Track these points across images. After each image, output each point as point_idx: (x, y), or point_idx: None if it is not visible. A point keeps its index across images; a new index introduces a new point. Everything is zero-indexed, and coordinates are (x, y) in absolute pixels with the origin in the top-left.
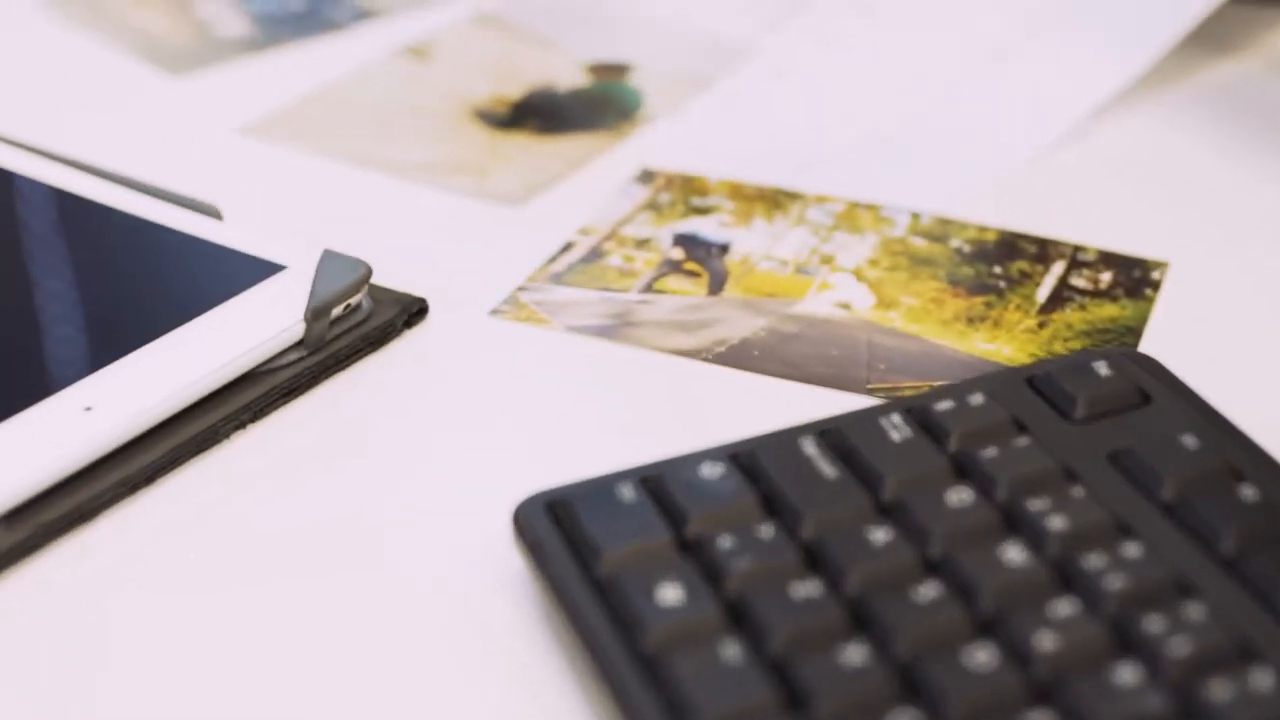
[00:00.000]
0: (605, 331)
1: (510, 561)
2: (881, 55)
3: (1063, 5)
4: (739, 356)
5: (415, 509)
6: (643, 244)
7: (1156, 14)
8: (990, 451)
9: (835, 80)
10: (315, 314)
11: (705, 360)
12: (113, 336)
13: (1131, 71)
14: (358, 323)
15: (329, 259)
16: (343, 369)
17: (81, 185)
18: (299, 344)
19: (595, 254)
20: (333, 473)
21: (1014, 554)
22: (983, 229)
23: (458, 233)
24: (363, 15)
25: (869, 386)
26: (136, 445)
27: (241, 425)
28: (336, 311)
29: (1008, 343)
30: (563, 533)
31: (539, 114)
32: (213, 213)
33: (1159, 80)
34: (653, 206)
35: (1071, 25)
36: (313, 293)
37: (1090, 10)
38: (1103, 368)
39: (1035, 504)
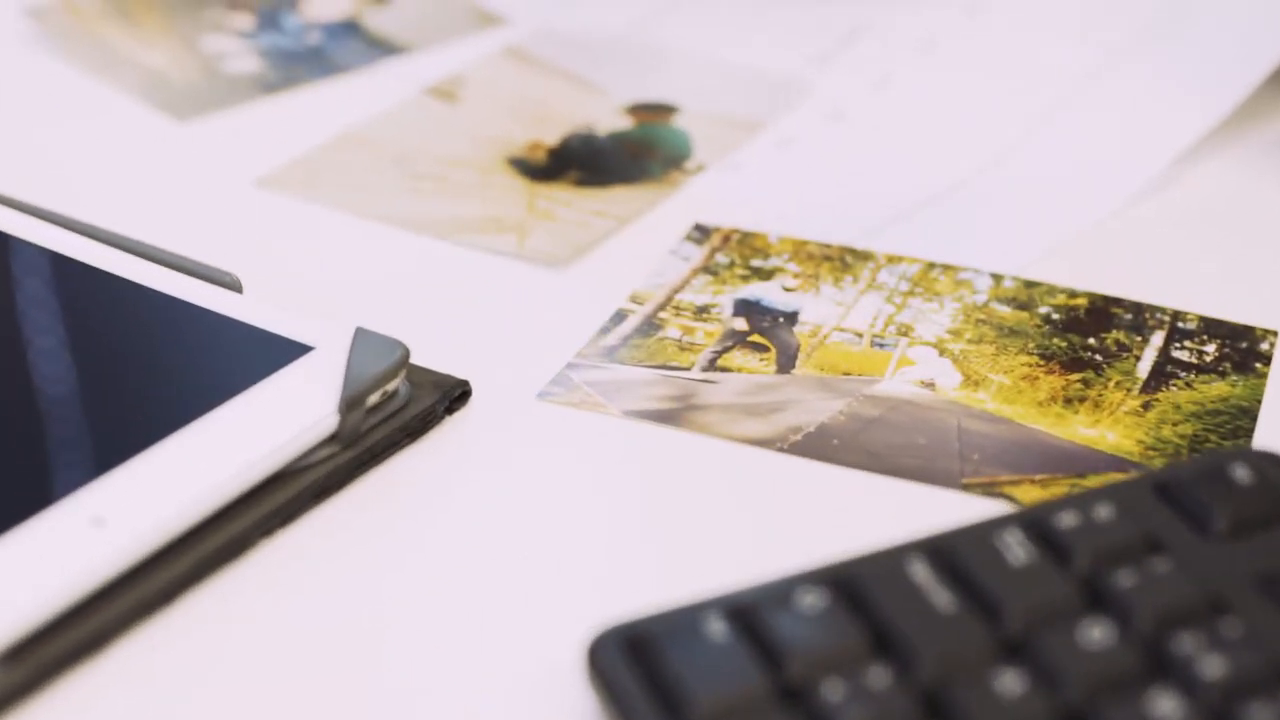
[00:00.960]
0: (668, 417)
1: (577, 698)
2: (944, 95)
3: (1139, 40)
4: (818, 446)
5: (464, 628)
6: (702, 312)
7: (1240, 51)
8: (1125, 576)
9: (895, 123)
10: (350, 404)
11: (781, 450)
12: (122, 432)
13: (1217, 113)
14: (395, 411)
15: (363, 339)
16: (379, 463)
17: (84, 250)
18: (332, 438)
19: (651, 325)
20: (370, 585)
21: (1167, 708)
22: (1072, 293)
23: (498, 300)
24: (383, 50)
25: (964, 481)
26: (152, 560)
27: (269, 532)
28: (372, 400)
29: (1111, 427)
30: (644, 673)
31: (579, 162)
32: (233, 285)
33: (1241, 122)
34: (709, 269)
35: (1150, 62)
36: (346, 379)
37: (1170, 47)
38: (1241, 472)
39: (1185, 643)
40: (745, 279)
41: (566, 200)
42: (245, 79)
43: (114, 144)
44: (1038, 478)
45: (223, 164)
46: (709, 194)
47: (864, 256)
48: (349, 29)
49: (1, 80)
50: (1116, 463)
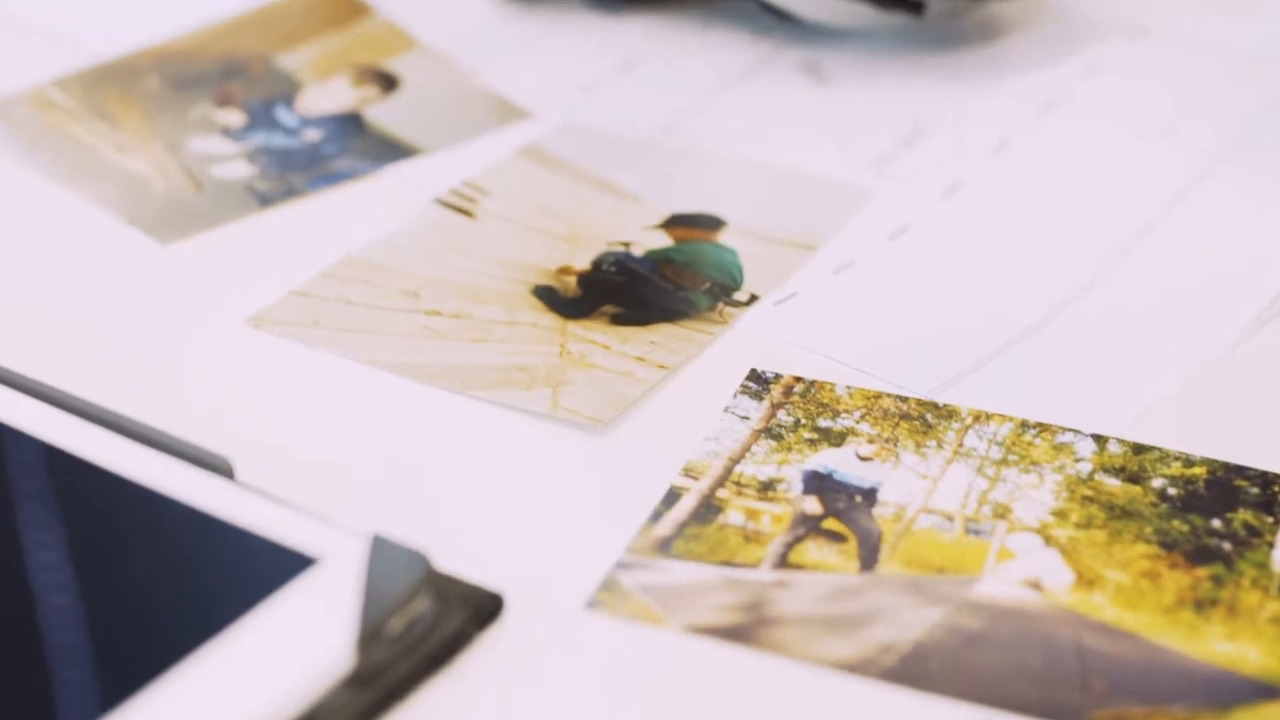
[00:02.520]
0: (736, 634)
1: None
2: (1021, 206)
3: (1241, 138)
4: (915, 671)
5: None
6: (767, 490)
7: None
8: None
9: (967, 240)
10: (368, 636)
11: (871, 677)
12: (95, 679)
13: None
14: (420, 637)
15: (381, 550)
16: (401, 701)
17: (50, 424)
18: (348, 677)
19: (709, 508)
20: None
21: None
22: (1188, 461)
23: (531, 475)
24: (389, 151)
25: (1090, 716)
26: None
27: None
28: (393, 627)
29: (1252, 641)
30: None
31: (615, 293)
32: (223, 469)
33: None
34: (772, 432)
35: (1257, 164)
36: (363, 604)
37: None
38: None
39: None
40: (814, 444)
41: (603, 342)
42: (235, 187)
43: (87, 268)
44: (1176, 712)
45: (210, 296)
46: (763, 331)
47: (946, 414)
48: (351, 125)
49: None
50: (1265, 690)
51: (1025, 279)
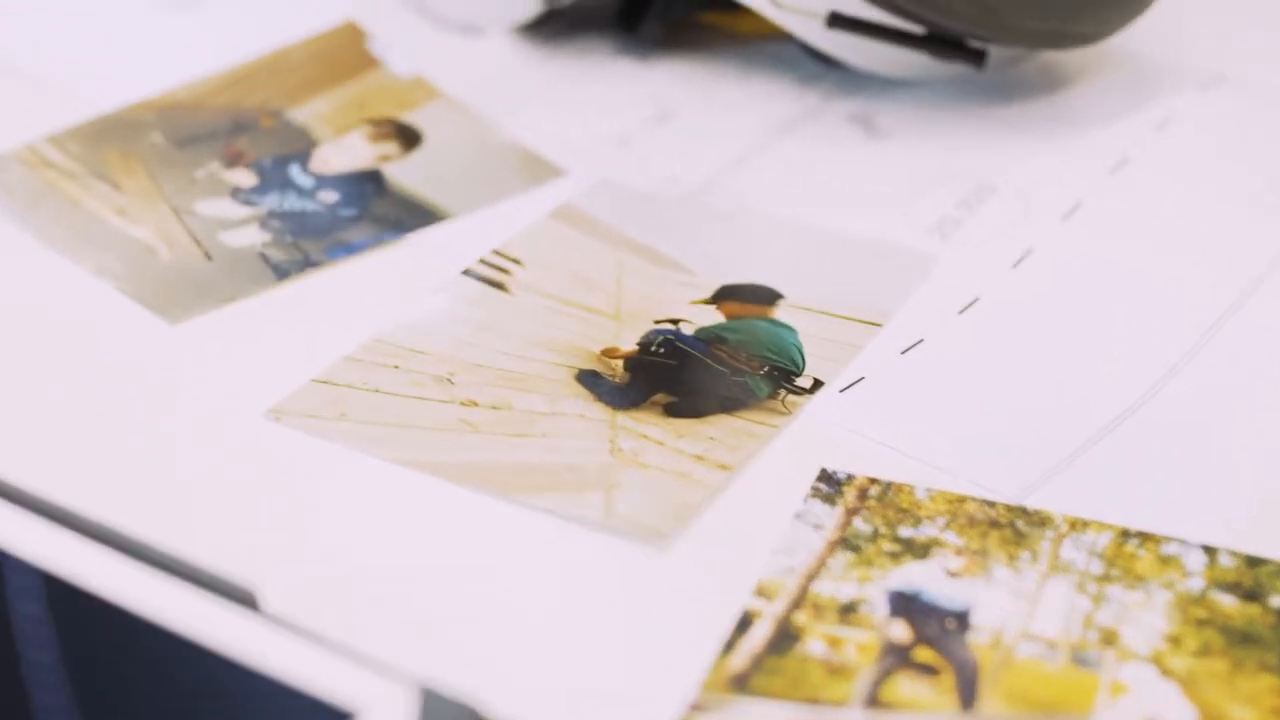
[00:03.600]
0: None
1: None
2: (1099, 275)
3: None
4: None
5: None
6: (848, 613)
7: None
8: None
9: (1044, 314)
10: None
11: None
12: None
13: None
14: None
15: (429, 703)
16: None
17: (35, 544)
18: None
19: (786, 635)
20: None
21: None
22: None
23: (584, 596)
24: (412, 214)
25: None
26: None
27: None
28: None
29: None
30: None
31: (665, 379)
32: (246, 599)
33: None
34: (849, 543)
35: None
36: None
37: None
38: None
39: None
40: (896, 557)
41: (657, 438)
42: (248, 256)
43: (85, 350)
44: None
45: (224, 384)
46: (830, 422)
47: (1039, 521)
48: (371, 185)
49: None
50: None
51: (1108, 359)
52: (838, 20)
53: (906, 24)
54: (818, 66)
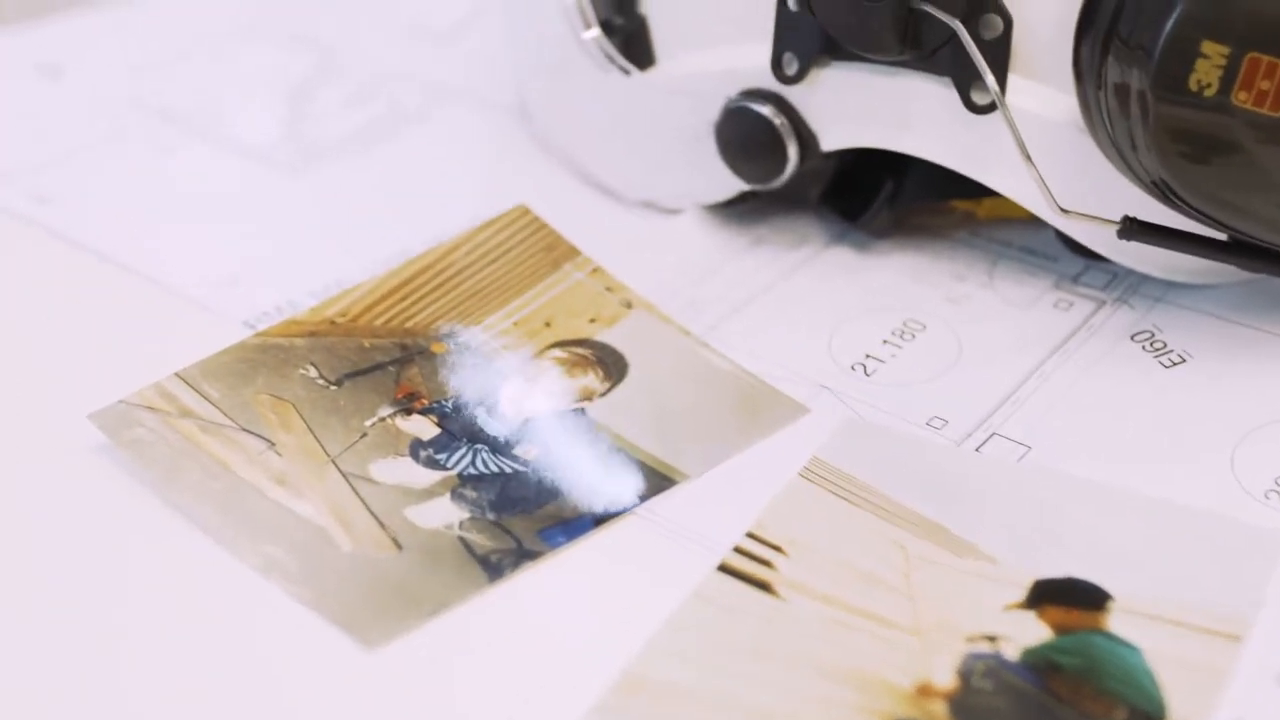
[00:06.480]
0: None
1: None
2: None
3: None
4: None
5: None
6: None
7: None
8: None
9: None
10: None
11: None
12: None
13: None
14: None
15: None
16: None
17: None
18: None
19: None
20: None
21: None
22: None
23: None
24: (633, 475)
25: None
26: None
27: None
28: None
29: None
30: None
31: None
32: None
33: None
34: None
35: None
36: None
37: None
38: None
39: None
40: None
41: None
42: (446, 543)
43: (259, 677)
44: None
45: None
46: None
47: None
48: (576, 430)
49: (53, 522)
50: None
51: None
52: (1134, 227)
53: (1209, 229)
54: (1078, 260)
